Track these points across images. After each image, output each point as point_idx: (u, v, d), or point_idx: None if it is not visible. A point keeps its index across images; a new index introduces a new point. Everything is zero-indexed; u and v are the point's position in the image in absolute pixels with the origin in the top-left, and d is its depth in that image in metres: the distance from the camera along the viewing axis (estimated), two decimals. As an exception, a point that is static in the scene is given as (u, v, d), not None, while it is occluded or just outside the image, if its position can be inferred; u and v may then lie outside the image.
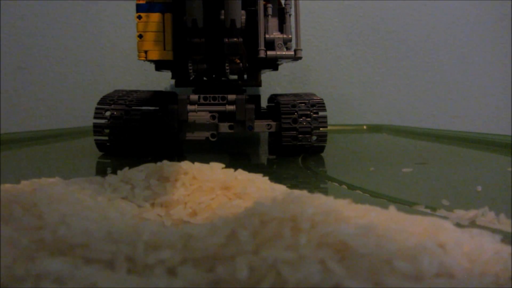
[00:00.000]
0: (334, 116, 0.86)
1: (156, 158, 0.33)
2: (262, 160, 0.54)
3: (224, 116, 0.51)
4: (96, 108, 0.50)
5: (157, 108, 0.55)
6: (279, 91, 0.87)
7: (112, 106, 0.50)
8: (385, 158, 0.53)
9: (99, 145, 0.51)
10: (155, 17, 0.49)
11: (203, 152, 0.57)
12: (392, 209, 0.20)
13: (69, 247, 0.17)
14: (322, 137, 0.51)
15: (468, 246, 0.17)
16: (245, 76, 0.58)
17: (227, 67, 0.51)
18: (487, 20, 0.90)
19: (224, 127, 0.51)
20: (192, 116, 0.50)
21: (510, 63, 0.90)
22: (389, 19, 0.89)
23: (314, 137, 0.51)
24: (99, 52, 0.85)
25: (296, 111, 0.50)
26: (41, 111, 0.86)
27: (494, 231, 0.20)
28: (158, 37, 0.49)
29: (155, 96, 0.55)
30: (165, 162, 0.31)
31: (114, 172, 0.30)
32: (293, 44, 0.50)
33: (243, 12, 0.46)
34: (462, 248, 0.17)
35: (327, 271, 0.15)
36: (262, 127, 0.52)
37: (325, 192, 0.36)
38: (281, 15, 0.51)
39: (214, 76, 0.56)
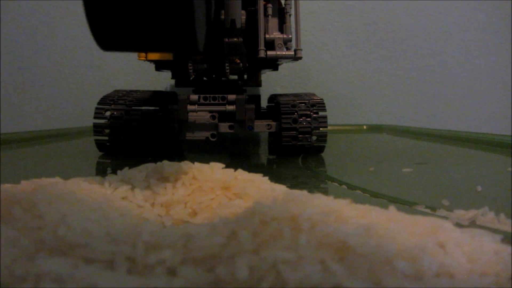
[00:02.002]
0: (334, 116, 0.86)
1: (156, 158, 0.33)
2: (262, 160, 0.54)
3: (224, 116, 0.51)
4: (96, 108, 0.50)
5: (157, 108, 0.55)
6: (279, 91, 0.87)
7: (112, 106, 0.50)
8: (385, 158, 0.53)
9: (99, 145, 0.51)
10: (155, 17, 0.49)
11: (203, 152, 0.57)
12: (392, 209, 0.20)
13: (69, 247, 0.17)
14: (322, 137, 0.51)
15: (468, 246, 0.17)
16: (245, 76, 0.58)
17: (227, 67, 0.51)
18: (487, 20, 0.90)
19: (224, 127, 0.51)
20: (192, 116, 0.50)
21: (510, 63, 0.90)
22: (389, 19, 0.89)
23: (314, 137, 0.51)
24: (99, 52, 0.85)
25: (296, 111, 0.50)
26: (41, 111, 0.86)
27: (494, 231, 0.20)
28: (158, 37, 0.49)
29: (155, 96, 0.55)
30: (165, 162, 0.31)
31: (114, 172, 0.30)
32: (293, 44, 0.50)
33: (243, 12, 0.46)
34: (462, 248, 0.17)
35: (327, 271, 0.15)
36: (262, 127, 0.52)
37: (325, 192, 0.36)
38: (281, 15, 0.51)
39: (214, 76, 0.56)
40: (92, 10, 0.20)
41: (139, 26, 0.21)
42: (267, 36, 0.49)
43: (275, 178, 0.31)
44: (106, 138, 0.50)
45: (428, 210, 0.28)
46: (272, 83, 0.88)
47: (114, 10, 0.20)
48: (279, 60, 0.52)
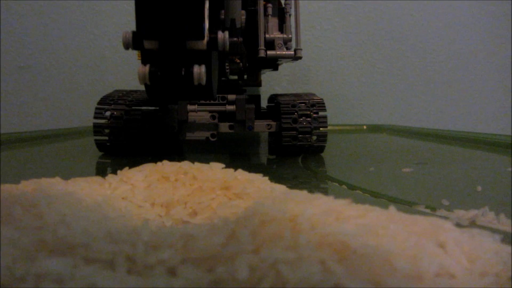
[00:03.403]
0: (334, 116, 0.86)
1: (156, 158, 0.33)
2: (262, 160, 0.54)
3: (224, 116, 0.51)
4: (96, 108, 0.50)
5: (157, 108, 0.55)
6: (279, 91, 0.87)
7: (112, 106, 0.50)
8: (385, 158, 0.53)
9: (99, 145, 0.51)
10: (155, 17, 0.49)
11: (203, 152, 0.57)
12: (392, 209, 0.20)
13: (69, 247, 0.17)
14: (322, 137, 0.51)
15: (468, 246, 0.17)
16: (245, 76, 0.58)
17: (227, 67, 0.51)
18: (487, 20, 0.90)
19: (224, 127, 0.51)
20: (192, 116, 0.50)
21: (510, 63, 0.90)
22: (389, 19, 0.89)
23: (314, 137, 0.51)
24: (99, 52, 0.85)
25: (296, 111, 0.50)
26: (41, 111, 0.86)
27: (494, 231, 0.20)
28: (158, 37, 0.49)
29: (155, 96, 0.55)
30: (165, 162, 0.31)
31: (114, 172, 0.30)
32: (293, 44, 0.50)
33: (243, 12, 0.46)
34: (462, 248, 0.17)
35: (327, 271, 0.15)
36: (262, 127, 0.52)
37: (325, 192, 0.36)
38: (281, 15, 0.51)
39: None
40: (149, 90, 0.32)
41: (175, 95, 0.34)
42: (267, 36, 0.49)
43: (275, 178, 0.32)
44: (106, 138, 0.50)
45: (428, 210, 0.28)
46: (272, 83, 0.88)
47: (159, 88, 0.31)
48: (279, 60, 0.52)
